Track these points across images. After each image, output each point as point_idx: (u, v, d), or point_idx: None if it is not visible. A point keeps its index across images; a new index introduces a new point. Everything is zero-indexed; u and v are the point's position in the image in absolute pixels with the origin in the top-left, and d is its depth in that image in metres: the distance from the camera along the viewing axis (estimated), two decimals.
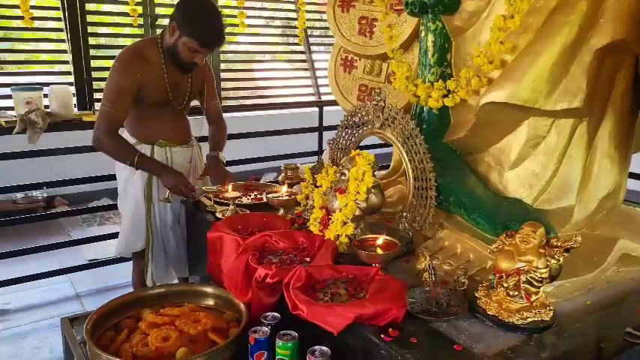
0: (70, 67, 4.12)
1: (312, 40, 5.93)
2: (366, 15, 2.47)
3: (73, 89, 3.81)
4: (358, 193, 1.72)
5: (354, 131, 1.99)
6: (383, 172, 2.39)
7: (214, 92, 2.76)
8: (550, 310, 1.34)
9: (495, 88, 1.52)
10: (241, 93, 5.58)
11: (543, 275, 1.29)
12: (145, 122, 2.43)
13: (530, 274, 1.30)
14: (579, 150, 1.60)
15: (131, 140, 2.43)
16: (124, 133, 2.47)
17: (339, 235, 1.74)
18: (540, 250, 1.31)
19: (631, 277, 1.60)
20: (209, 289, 1.76)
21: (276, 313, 1.50)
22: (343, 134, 2.05)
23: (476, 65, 1.63)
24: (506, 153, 1.65)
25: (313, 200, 1.94)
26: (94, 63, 4.26)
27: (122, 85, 2.28)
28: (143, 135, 2.45)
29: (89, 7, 4.06)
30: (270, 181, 2.81)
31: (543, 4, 1.51)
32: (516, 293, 1.32)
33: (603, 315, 1.42)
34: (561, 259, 1.30)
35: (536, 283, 1.30)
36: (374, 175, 1.75)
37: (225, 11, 5.06)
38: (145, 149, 2.43)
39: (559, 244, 1.31)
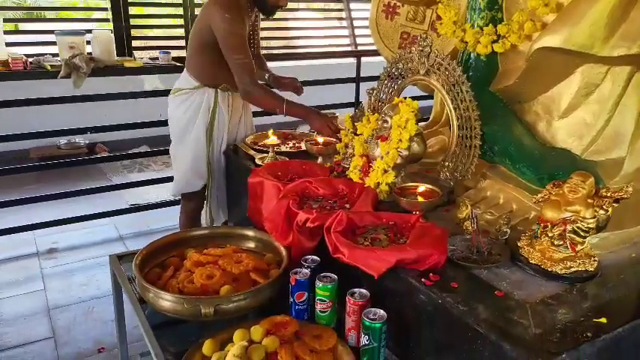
0: (108, 14, 4.13)
1: None
2: None
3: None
4: (400, 140, 1.70)
5: (396, 80, 1.95)
6: (422, 123, 2.35)
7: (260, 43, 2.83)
8: (594, 260, 1.32)
9: (549, 33, 1.45)
10: (274, 43, 5.50)
11: (590, 225, 1.27)
12: (215, 67, 2.44)
13: (577, 224, 1.28)
14: (634, 99, 1.53)
15: (194, 83, 2.48)
16: (185, 74, 2.52)
17: (379, 182, 1.74)
18: (589, 201, 1.28)
19: None
20: (251, 232, 1.81)
21: (315, 257, 1.53)
22: (385, 82, 2.01)
23: (530, 8, 1.55)
24: (557, 102, 1.59)
25: (352, 148, 1.94)
26: (132, 10, 4.27)
27: (242, 33, 2.34)
28: (210, 79, 2.47)
29: None
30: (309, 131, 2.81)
31: None
32: (561, 243, 1.30)
33: None
34: (610, 209, 1.27)
35: (582, 233, 1.28)
36: (416, 123, 1.72)
37: None
38: (208, 93, 2.48)
39: (609, 195, 1.28)
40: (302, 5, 5.95)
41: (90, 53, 3.07)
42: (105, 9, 4.31)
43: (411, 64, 1.85)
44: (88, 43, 3.11)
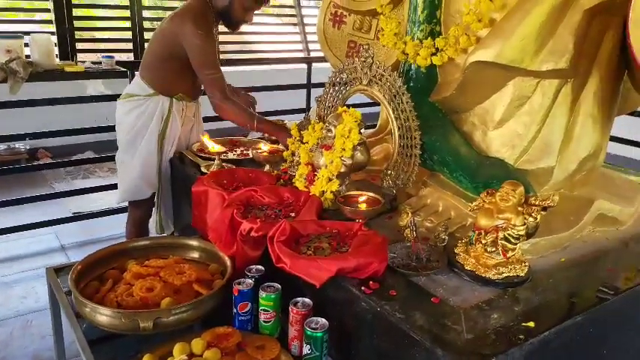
0: (51, 16, 3.99)
1: None
2: None
3: (54, 39, 3.71)
4: (344, 149, 1.73)
5: (342, 88, 1.98)
6: (370, 130, 2.39)
7: None
8: (525, 266, 1.38)
9: (483, 47, 1.51)
10: (228, 47, 5.47)
11: (520, 232, 1.33)
12: (176, 77, 2.45)
13: (508, 231, 1.33)
14: (563, 111, 1.61)
15: (148, 90, 2.45)
16: (138, 81, 2.49)
17: (324, 191, 1.76)
18: (519, 208, 1.34)
19: (606, 237, 1.65)
20: (194, 242, 1.79)
21: (259, 266, 1.53)
22: (330, 91, 2.03)
23: (465, 23, 1.61)
24: (491, 113, 1.66)
25: (299, 156, 1.95)
26: (76, 12, 4.14)
27: (213, 49, 2.38)
28: (168, 87, 2.45)
29: None
30: (257, 138, 2.80)
31: None
32: (493, 249, 1.36)
33: (576, 272, 1.47)
34: (538, 217, 1.33)
35: (513, 240, 1.34)
36: (360, 133, 1.75)
37: None
38: (163, 101, 2.45)
39: (537, 203, 1.34)
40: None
41: (28, 57, 2.95)
42: (47, 10, 4.16)
43: (354, 74, 1.88)
44: (26, 45, 2.99)
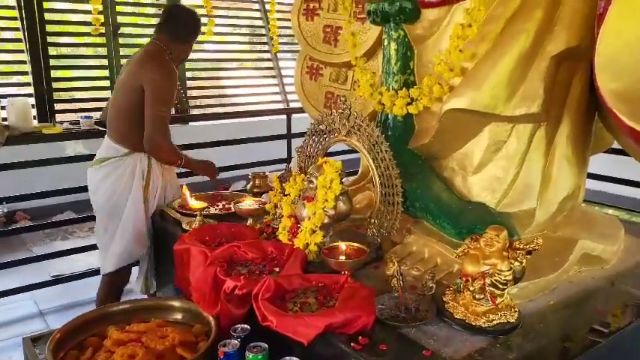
0: (29, 78, 4.01)
1: (279, 46, 5.93)
2: (330, 23, 2.49)
3: (32, 100, 3.71)
4: (326, 200, 1.72)
5: (321, 139, 2.00)
6: (352, 177, 2.40)
7: None
8: (515, 311, 1.36)
9: (456, 95, 1.55)
10: (208, 101, 5.53)
11: (507, 278, 1.32)
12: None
13: (495, 277, 1.32)
14: (539, 154, 1.64)
15: (123, 150, 2.42)
16: (110, 143, 2.46)
17: (308, 243, 1.74)
18: (504, 253, 1.33)
19: (592, 277, 1.64)
20: (176, 303, 1.73)
21: (245, 325, 1.48)
22: (310, 142, 2.05)
23: (437, 73, 1.66)
24: (470, 158, 1.68)
25: (282, 209, 1.94)
26: (54, 73, 4.17)
27: (173, 89, 2.44)
28: (140, 143, 2.39)
29: (49, 16, 3.97)
30: (239, 190, 2.80)
31: (500, 13, 1.55)
32: (482, 296, 1.34)
33: (566, 314, 1.46)
34: (524, 261, 1.33)
35: (500, 286, 1.32)
36: (341, 183, 1.76)
37: None
38: (141, 157, 2.42)
39: (521, 247, 1.34)
40: (234, 64, 6.05)
41: (5, 119, 2.94)
42: (26, 73, 4.18)
43: (333, 125, 1.91)
44: (3, 108, 2.99)
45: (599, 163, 2.30)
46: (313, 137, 2.03)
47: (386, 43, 1.87)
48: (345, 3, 2.08)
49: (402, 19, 1.75)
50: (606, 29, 1.33)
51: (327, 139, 1.97)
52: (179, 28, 2.50)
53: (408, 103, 1.78)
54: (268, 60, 5.81)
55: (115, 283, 2.53)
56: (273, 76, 5.75)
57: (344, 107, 1.83)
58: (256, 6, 5.82)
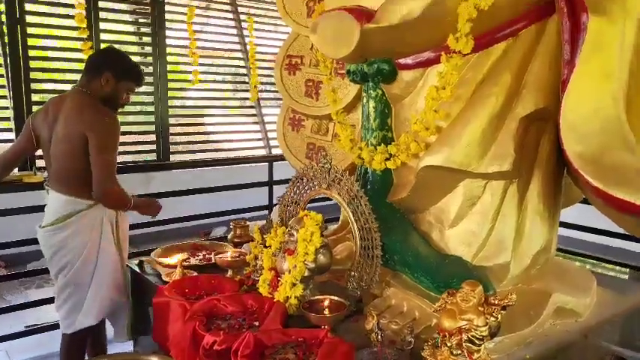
0: (11, 124, 4.00)
1: (261, 94, 6.04)
2: (312, 78, 2.58)
3: None
4: (307, 254, 1.75)
5: (303, 191, 2.04)
6: (333, 226, 2.43)
7: None
8: None
9: (432, 153, 1.61)
10: (190, 147, 5.57)
11: (484, 333, 1.35)
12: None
13: (472, 333, 1.35)
14: (511, 209, 1.70)
15: (86, 203, 2.34)
16: (67, 198, 2.36)
17: (288, 297, 1.75)
18: (479, 309, 1.36)
19: (566, 330, 1.68)
20: (154, 359, 1.71)
21: None
22: (292, 194, 2.09)
23: (414, 131, 1.73)
24: (446, 212, 1.74)
25: (262, 261, 1.95)
26: None
27: (118, 135, 2.40)
28: None
29: (34, 64, 4.01)
30: (220, 237, 2.80)
31: (471, 77, 1.64)
32: (459, 352, 1.36)
33: None
34: (499, 316, 1.36)
35: (477, 341, 1.35)
36: (322, 235, 1.79)
37: (179, 67, 5.10)
38: (109, 213, 2.38)
39: (496, 303, 1.37)
40: (217, 103, 6.12)
41: None
42: (8, 119, 4.18)
43: (314, 178, 1.95)
44: None
45: (567, 210, 2.38)
46: (294, 189, 2.08)
47: (365, 100, 1.95)
48: (326, 62, 2.17)
49: (380, 79, 1.84)
50: (568, 98, 1.42)
51: (308, 191, 2.01)
52: (107, 65, 2.43)
53: (387, 159, 1.84)
54: (251, 107, 5.91)
55: (82, 340, 2.46)
56: (256, 123, 5.84)
57: (324, 162, 1.88)
58: (239, 54, 5.97)
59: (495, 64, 1.63)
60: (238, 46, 5.96)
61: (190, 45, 3.74)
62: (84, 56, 3.72)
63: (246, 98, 6.01)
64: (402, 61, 1.78)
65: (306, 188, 2.02)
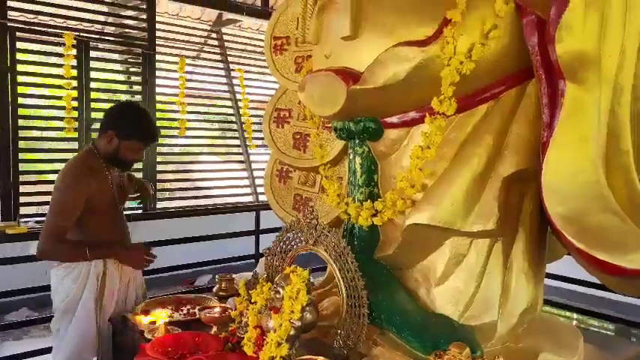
0: None
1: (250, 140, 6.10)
2: (300, 131, 2.62)
3: None
4: (293, 312, 1.73)
5: (289, 246, 2.03)
6: (319, 278, 2.41)
7: None
8: None
9: (418, 211, 1.63)
10: (178, 193, 5.55)
11: None
12: (95, 232, 2.44)
13: None
14: (497, 267, 1.71)
15: None
16: None
17: (273, 356, 1.71)
18: None
19: None
20: None
21: None
22: (278, 249, 2.08)
23: (399, 188, 1.75)
24: (432, 270, 1.74)
25: (247, 317, 1.92)
26: (22, 166, 4.14)
27: (74, 200, 2.35)
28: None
29: (22, 111, 4.02)
30: (205, 286, 2.76)
31: (454, 137, 1.69)
32: None
33: None
34: None
35: None
36: (309, 292, 1.77)
37: (168, 114, 5.15)
38: (96, 262, 2.40)
39: None
40: (205, 150, 6.14)
41: None
42: None
43: (300, 234, 1.95)
44: None
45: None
46: (281, 244, 2.07)
47: (351, 157, 1.98)
48: (314, 117, 2.21)
49: (366, 137, 1.87)
50: (548, 161, 1.47)
51: (294, 246, 2.01)
52: (110, 123, 2.46)
53: (373, 215, 1.85)
54: (239, 154, 5.94)
55: None
56: (244, 169, 5.87)
57: (311, 217, 1.89)
58: (229, 102, 6.05)
59: (478, 125, 1.68)
60: (228, 94, 6.05)
61: (179, 95, 3.80)
62: (65, 105, 3.77)
63: (235, 145, 6.07)
64: (387, 119, 1.82)
65: (292, 244, 2.02)
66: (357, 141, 1.92)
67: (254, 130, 5.53)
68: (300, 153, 2.60)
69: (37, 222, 3.18)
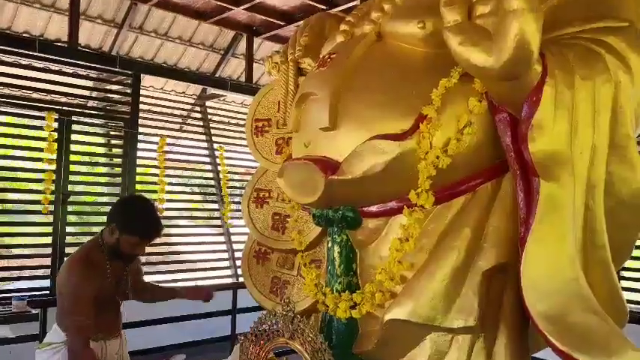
0: None
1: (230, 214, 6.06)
2: (279, 211, 2.59)
3: None
4: None
5: (264, 339, 1.95)
6: None
7: (142, 270, 2.94)
8: None
9: (397, 306, 1.59)
10: (157, 267, 5.42)
11: None
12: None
13: None
14: None
15: (64, 337, 2.40)
16: (55, 327, 2.46)
17: None
18: None
19: None
20: None
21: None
22: (252, 342, 1.99)
23: (378, 281, 1.71)
24: None
25: None
26: None
27: (87, 296, 2.36)
28: None
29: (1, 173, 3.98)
30: None
31: (433, 229, 1.68)
32: None
33: None
34: None
35: None
36: None
37: (146, 186, 5.12)
38: None
39: None
40: (185, 222, 6.08)
41: None
42: None
43: (276, 326, 1.88)
44: None
45: None
46: (255, 336, 1.98)
47: (330, 244, 1.95)
48: (293, 203, 2.20)
49: (344, 225, 1.86)
50: (526, 258, 1.46)
51: (269, 339, 1.93)
52: (114, 215, 2.54)
53: (352, 307, 1.80)
54: (219, 226, 5.88)
55: None
56: (225, 250, 5.78)
57: (287, 309, 1.83)
58: (210, 174, 6.07)
59: (456, 217, 1.67)
60: (210, 167, 6.08)
61: (159, 173, 3.81)
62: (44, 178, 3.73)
63: (215, 217, 6.02)
64: (366, 209, 1.81)
65: (268, 337, 1.94)
66: (335, 229, 1.90)
67: (232, 202, 5.51)
68: (278, 234, 2.56)
69: (1, 304, 3.03)
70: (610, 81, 1.46)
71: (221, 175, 4.18)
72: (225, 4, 5.16)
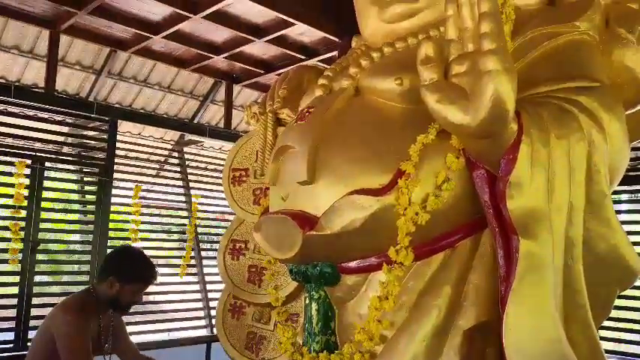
0: None
1: (204, 253, 5.94)
2: (255, 263, 2.54)
3: None
4: None
5: None
6: None
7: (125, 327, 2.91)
8: None
9: None
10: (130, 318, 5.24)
11: None
12: None
13: None
14: None
15: None
16: None
17: None
18: None
19: None
20: None
21: None
22: None
23: (357, 341, 1.66)
24: None
25: None
26: None
27: (87, 346, 2.38)
28: None
29: None
30: None
31: (412, 286, 1.64)
32: None
33: None
34: None
35: None
36: None
37: (119, 233, 5.00)
38: None
39: None
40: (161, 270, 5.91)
41: None
42: None
43: None
44: None
45: None
46: None
47: (307, 301, 1.89)
48: (269, 257, 2.15)
49: (322, 282, 1.81)
50: (508, 317, 1.43)
51: None
52: (111, 269, 2.57)
53: None
54: (194, 274, 5.74)
55: None
56: (199, 300, 5.62)
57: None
58: (185, 212, 5.96)
59: (435, 274, 1.64)
60: (186, 212, 5.98)
61: (135, 222, 3.73)
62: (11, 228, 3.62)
63: (191, 265, 5.87)
64: (344, 264, 1.77)
65: None
66: (313, 285, 1.85)
67: (209, 249, 5.40)
68: (254, 287, 2.50)
69: None
70: (584, 139, 1.48)
71: (191, 222, 4.12)
72: (205, 53, 5.22)
